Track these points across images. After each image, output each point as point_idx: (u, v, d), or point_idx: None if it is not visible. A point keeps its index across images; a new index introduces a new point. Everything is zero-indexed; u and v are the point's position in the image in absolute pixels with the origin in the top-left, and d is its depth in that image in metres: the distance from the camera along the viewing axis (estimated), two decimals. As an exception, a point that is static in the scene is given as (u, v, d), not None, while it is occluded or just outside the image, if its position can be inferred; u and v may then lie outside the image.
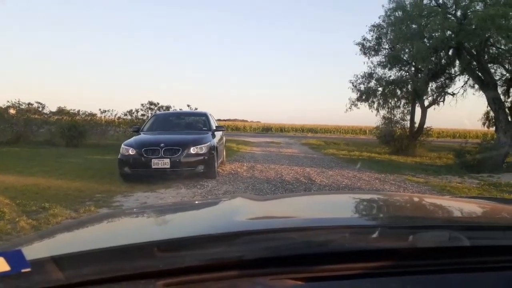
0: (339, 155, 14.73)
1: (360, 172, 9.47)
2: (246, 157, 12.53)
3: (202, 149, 7.38)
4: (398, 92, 15.20)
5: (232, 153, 13.40)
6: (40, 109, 17.89)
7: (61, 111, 17.73)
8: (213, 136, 8.37)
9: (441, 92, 15.66)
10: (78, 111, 18.16)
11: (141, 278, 0.64)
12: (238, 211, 1.08)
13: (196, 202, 2.14)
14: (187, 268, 0.66)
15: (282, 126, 47.03)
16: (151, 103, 17.43)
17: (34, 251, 0.82)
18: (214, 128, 9.01)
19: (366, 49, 15.34)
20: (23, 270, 0.58)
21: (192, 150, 7.25)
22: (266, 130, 45.26)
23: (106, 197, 5.82)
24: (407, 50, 12.90)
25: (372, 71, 15.59)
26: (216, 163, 7.87)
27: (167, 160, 6.98)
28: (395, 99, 15.49)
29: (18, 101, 17.30)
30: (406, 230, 0.81)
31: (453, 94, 15.58)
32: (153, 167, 6.97)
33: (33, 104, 17.68)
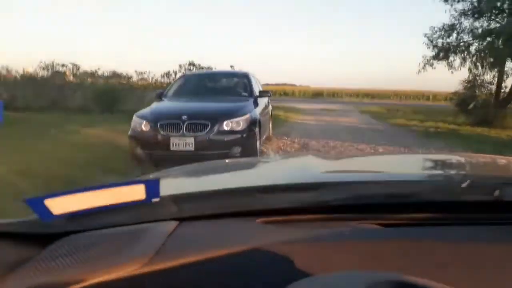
0: (410, 126, 12.12)
1: (454, 154, 6.99)
2: (297, 130, 10.37)
3: (240, 123, 5.32)
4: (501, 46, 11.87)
5: (279, 123, 11.25)
6: (75, 71, 16.73)
7: (93, 74, 16.38)
8: (256, 104, 6.26)
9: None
10: (114, 72, 16.77)
11: (244, 216, 0.74)
12: (315, 166, 1.26)
13: (270, 159, 2.17)
14: (281, 209, 0.74)
15: (334, 90, 43.78)
16: (190, 64, 15.61)
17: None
18: (257, 93, 6.87)
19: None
20: (153, 200, 0.65)
21: (225, 125, 5.22)
22: (316, 95, 42.31)
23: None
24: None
25: (458, 21, 12.39)
26: (259, 143, 5.81)
27: (191, 140, 5.01)
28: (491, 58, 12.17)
29: (52, 63, 16.19)
30: (492, 185, 0.79)
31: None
32: (172, 148, 5.06)
33: (67, 65, 16.52)
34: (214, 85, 7.37)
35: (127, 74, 16.98)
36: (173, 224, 0.68)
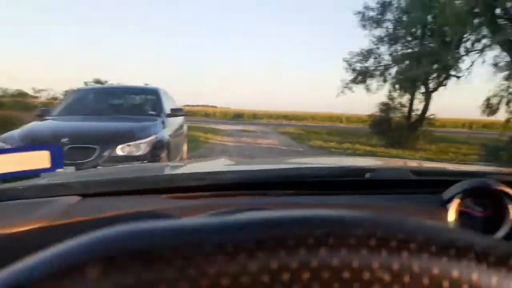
0: (329, 148, 12.07)
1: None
2: (216, 151, 9.62)
3: (140, 147, 4.35)
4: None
5: (197, 145, 10.40)
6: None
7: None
8: (164, 125, 5.33)
9: (448, 74, 13.19)
10: (6, 90, 14.58)
11: (150, 193, 0.80)
12: (222, 163, 1.48)
13: (185, 161, 2.45)
14: (185, 187, 0.83)
15: (254, 112, 44.22)
16: (97, 81, 14.12)
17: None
18: (169, 112, 5.90)
19: (366, 20, 12.48)
20: (58, 170, 0.75)
21: (121, 149, 4.22)
22: (237, 116, 42.19)
23: None
24: (429, 17, 10.13)
25: (375, 46, 12.80)
26: (165, 169, 4.89)
27: (71, 169, 3.88)
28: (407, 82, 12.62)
29: None
30: (364, 169, 0.96)
31: (458, 77, 13.09)
32: (46, 180, 3.93)
33: None
34: (115, 102, 6.23)
35: (22, 92, 14.90)
36: (76, 198, 0.74)
